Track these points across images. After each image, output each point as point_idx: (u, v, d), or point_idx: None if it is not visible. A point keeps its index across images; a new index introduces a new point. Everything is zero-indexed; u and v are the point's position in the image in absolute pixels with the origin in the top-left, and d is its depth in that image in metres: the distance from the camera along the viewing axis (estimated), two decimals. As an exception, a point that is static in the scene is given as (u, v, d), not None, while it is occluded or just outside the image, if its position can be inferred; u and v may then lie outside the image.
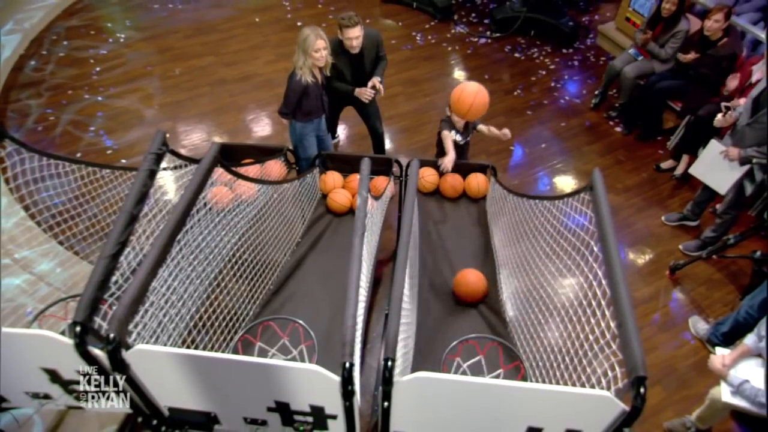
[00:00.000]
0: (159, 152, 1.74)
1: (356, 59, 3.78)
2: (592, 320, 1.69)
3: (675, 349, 3.67)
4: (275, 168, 3.61)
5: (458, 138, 3.64)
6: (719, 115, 3.86)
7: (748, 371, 2.80)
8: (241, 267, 2.54)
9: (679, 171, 4.76)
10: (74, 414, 2.85)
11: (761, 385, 2.67)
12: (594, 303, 1.69)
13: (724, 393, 2.79)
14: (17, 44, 5.53)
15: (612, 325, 1.50)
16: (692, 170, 4.09)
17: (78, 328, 1.36)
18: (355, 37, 3.55)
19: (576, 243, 1.95)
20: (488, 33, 6.42)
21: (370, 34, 3.74)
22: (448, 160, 3.47)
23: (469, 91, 3.28)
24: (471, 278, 2.74)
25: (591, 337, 1.69)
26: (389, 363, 1.35)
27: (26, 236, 3.44)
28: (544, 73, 5.96)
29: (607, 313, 1.58)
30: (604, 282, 1.55)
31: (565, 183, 4.82)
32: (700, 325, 3.71)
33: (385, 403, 1.41)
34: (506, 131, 3.55)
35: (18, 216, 3.83)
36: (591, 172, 1.75)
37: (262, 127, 5.15)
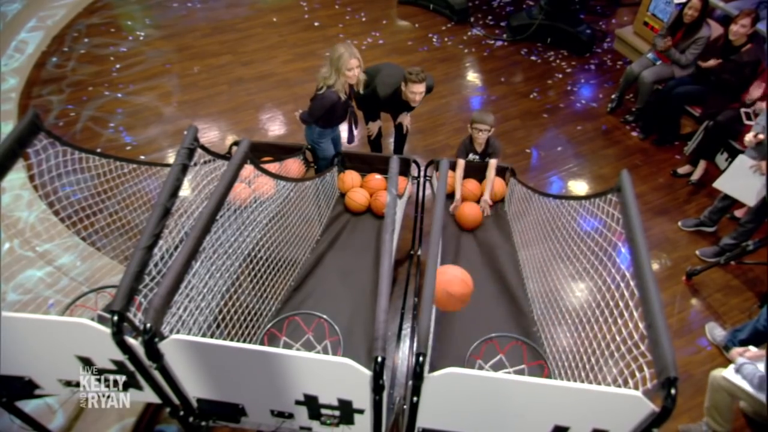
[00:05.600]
0: (191, 147, 1.77)
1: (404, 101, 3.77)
2: (620, 321, 1.70)
3: (691, 355, 3.65)
4: (294, 166, 3.65)
5: (476, 158, 3.66)
6: (749, 135, 3.84)
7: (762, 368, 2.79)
8: (261, 263, 2.56)
9: (695, 176, 4.73)
10: (94, 404, 2.89)
11: (762, 368, 2.68)
12: (621, 304, 1.69)
13: (729, 369, 2.81)
14: (40, 41, 5.62)
15: (641, 326, 1.50)
16: (717, 184, 4.04)
17: (115, 317, 1.38)
18: (419, 92, 3.57)
19: (602, 243, 1.95)
20: (504, 36, 6.42)
21: (428, 81, 3.70)
22: (456, 198, 3.47)
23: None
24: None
25: (618, 338, 1.69)
26: (420, 358, 1.36)
27: (50, 232, 3.51)
28: (560, 76, 5.95)
29: (635, 314, 1.59)
30: (632, 283, 1.55)
31: (581, 187, 4.81)
32: (716, 332, 3.69)
33: (414, 398, 1.42)
34: (486, 202, 3.51)
35: (40, 209, 3.91)
36: (618, 174, 1.75)
37: (279, 126, 5.19)
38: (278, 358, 1.40)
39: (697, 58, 4.69)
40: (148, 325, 1.37)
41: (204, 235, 1.61)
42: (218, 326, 2.08)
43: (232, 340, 2.18)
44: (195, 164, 2.08)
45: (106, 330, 1.41)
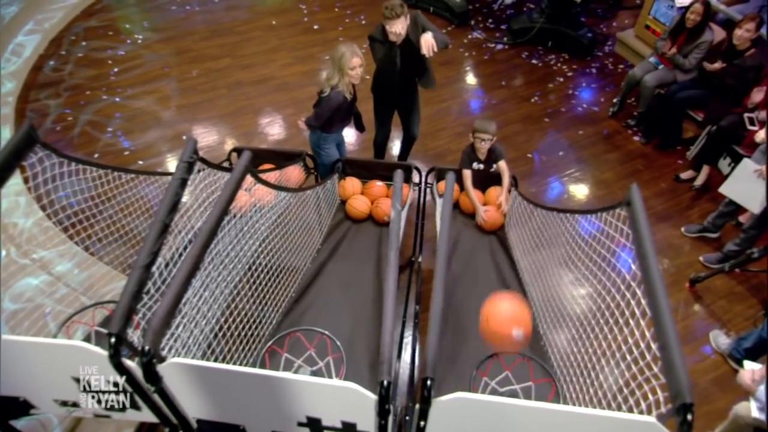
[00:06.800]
0: (191, 161, 1.73)
1: (404, 46, 3.48)
2: (630, 340, 1.66)
3: (695, 364, 3.61)
4: (294, 173, 3.61)
5: (480, 167, 3.60)
6: (762, 133, 3.80)
7: None
8: (261, 274, 2.52)
9: (699, 182, 4.69)
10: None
11: None
12: (632, 322, 1.65)
13: (753, 409, 2.73)
14: (37, 44, 5.57)
15: (653, 346, 1.46)
16: (722, 189, 4.00)
17: (113, 340, 1.34)
18: (395, 31, 3.27)
19: (608, 257, 1.91)
20: (505, 39, 6.39)
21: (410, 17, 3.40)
22: (481, 213, 3.40)
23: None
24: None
25: (629, 357, 1.65)
26: (428, 382, 1.32)
27: (47, 239, 3.46)
28: (561, 80, 5.92)
29: (647, 333, 1.55)
30: (643, 301, 1.52)
31: (583, 192, 4.77)
32: (721, 340, 3.65)
33: (422, 423, 1.38)
34: (502, 202, 3.42)
35: (36, 216, 3.86)
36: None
37: (279, 130, 5.15)
38: (281, 381, 1.36)
39: (699, 63, 4.66)
40: (147, 347, 1.33)
41: (203, 252, 1.57)
42: (218, 343, 2.03)
43: (232, 356, 2.14)
44: (199, 171, 2.04)
45: (104, 353, 1.37)
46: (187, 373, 1.40)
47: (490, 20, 6.74)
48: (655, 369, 1.46)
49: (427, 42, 3.29)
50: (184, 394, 1.50)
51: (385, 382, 1.34)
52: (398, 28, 3.26)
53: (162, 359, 1.39)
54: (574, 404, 1.95)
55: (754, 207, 3.79)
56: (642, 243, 1.55)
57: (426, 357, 1.40)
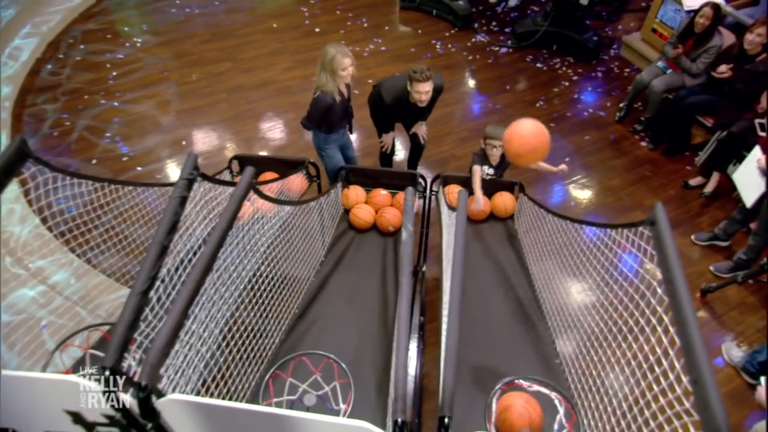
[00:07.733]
0: (191, 177, 1.64)
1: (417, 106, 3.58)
2: (657, 369, 1.56)
3: (707, 376, 3.52)
4: (296, 182, 3.52)
5: (490, 172, 3.50)
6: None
7: None
8: (263, 287, 2.43)
9: (708, 189, 4.60)
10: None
11: None
12: (659, 351, 1.56)
13: None
14: (34, 48, 5.49)
15: (684, 379, 1.37)
16: (733, 174, 3.96)
17: (107, 373, 1.25)
18: (425, 91, 3.36)
19: (633, 279, 1.82)
20: (509, 42, 6.31)
21: (435, 80, 3.49)
22: (477, 198, 3.30)
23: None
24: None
25: (656, 388, 1.56)
26: (446, 421, 1.23)
27: (44, 249, 3.38)
28: (566, 84, 5.83)
29: (677, 364, 1.45)
30: (671, 329, 1.43)
31: (590, 199, 4.69)
32: (734, 352, 3.56)
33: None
34: (563, 166, 3.28)
35: (32, 224, 3.77)
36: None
37: (280, 136, 5.06)
38: (288, 420, 1.27)
39: (708, 68, 4.58)
40: (144, 383, 1.24)
41: (204, 276, 1.48)
42: (219, 370, 1.94)
43: (234, 379, 2.04)
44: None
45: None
46: (187, 408, 1.31)
47: (493, 23, 6.66)
48: (687, 404, 1.37)
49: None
50: (184, 429, 1.41)
51: (400, 421, 1.25)
52: (426, 88, 3.36)
53: (160, 394, 1.30)
54: (593, 433, 1.86)
55: (748, 199, 3.72)
56: (670, 267, 1.46)
57: (443, 393, 1.31)
